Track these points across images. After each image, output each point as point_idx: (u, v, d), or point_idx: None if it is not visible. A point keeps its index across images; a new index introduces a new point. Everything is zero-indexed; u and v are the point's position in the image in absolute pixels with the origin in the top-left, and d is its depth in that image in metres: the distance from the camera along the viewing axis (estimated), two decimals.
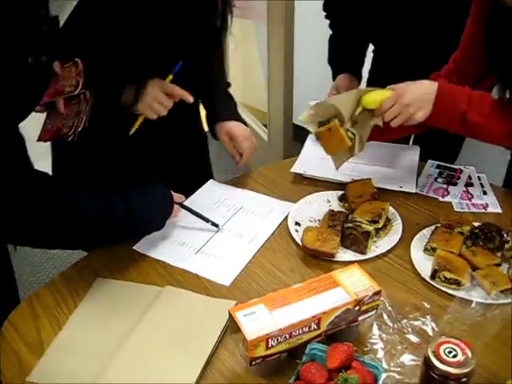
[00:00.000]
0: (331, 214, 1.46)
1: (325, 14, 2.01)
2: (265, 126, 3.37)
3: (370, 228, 1.37)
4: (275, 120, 3.12)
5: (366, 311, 1.11)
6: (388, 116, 1.43)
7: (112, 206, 1.24)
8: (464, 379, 0.93)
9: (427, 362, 0.94)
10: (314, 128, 1.48)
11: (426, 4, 1.73)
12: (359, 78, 2.01)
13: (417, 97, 1.42)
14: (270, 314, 1.03)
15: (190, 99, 1.50)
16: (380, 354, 1.12)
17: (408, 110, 1.41)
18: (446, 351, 0.94)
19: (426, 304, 1.23)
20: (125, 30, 1.33)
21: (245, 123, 1.69)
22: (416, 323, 1.19)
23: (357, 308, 1.08)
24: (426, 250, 1.37)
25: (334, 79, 2.00)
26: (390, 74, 1.97)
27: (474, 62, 1.53)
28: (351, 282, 1.10)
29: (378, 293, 1.10)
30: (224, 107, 1.70)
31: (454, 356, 0.93)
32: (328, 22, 2.03)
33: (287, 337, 1.03)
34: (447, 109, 1.42)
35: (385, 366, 1.09)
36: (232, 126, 1.66)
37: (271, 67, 3.00)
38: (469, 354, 0.93)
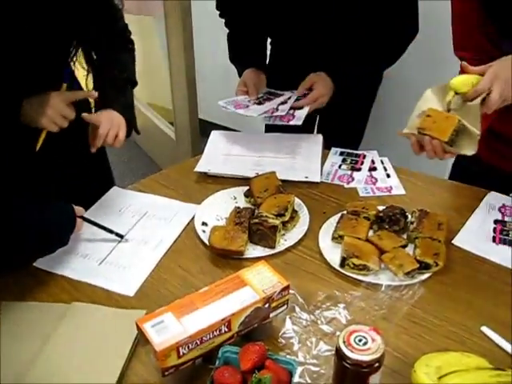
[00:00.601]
0: (237, 211, 1.43)
1: (218, 13, 1.97)
2: (172, 124, 3.32)
3: (277, 222, 1.36)
4: (181, 117, 3.08)
5: (276, 307, 1.09)
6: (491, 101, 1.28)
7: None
8: (376, 365, 0.93)
9: (339, 353, 0.94)
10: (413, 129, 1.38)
11: None
12: (265, 69, 1.99)
13: None
14: (179, 321, 1.00)
15: (95, 94, 1.45)
16: (295, 348, 1.11)
17: (508, 89, 1.27)
18: (357, 340, 0.93)
19: (337, 292, 1.23)
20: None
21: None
22: (328, 313, 1.19)
23: (267, 305, 1.07)
24: (333, 238, 1.37)
25: (239, 75, 1.97)
26: (289, 65, 1.99)
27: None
28: (259, 280, 1.08)
29: (286, 288, 1.08)
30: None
31: (365, 343, 0.93)
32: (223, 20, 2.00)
33: (198, 343, 1.00)
34: None
35: (301, 359, 1.09)
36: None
37: (172, 64, 2.95)
38: (378, 340, 0.93)
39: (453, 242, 1.37)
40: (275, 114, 1.77)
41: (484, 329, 1.15)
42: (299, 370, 1.05)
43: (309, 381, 1.05)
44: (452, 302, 1.22)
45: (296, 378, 1.01)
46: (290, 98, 1.84)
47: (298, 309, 1.19)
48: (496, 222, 1.45)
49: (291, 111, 1.78)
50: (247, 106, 1.81)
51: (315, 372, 1.06)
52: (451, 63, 1.47)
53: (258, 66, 1.96)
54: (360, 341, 0.93)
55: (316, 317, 1.18)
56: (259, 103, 1.84)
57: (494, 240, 1.39)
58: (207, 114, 3.43)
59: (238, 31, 1.99)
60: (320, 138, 1.83)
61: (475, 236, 1.40)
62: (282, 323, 1.16)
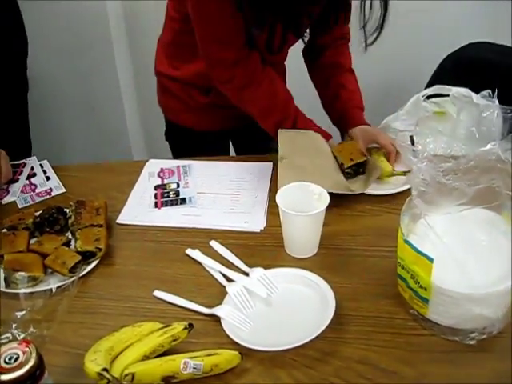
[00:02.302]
0: None
1: None
2: None
3: None
4: None
5: None
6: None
7: None
8: (37, 372, 0.89)
9: None
10: None
11: None
12: None
13: None
14: None
15: None
16: None
17: None
18: (7, 359, 0.88)
19: (14, 314, 1.16)
20: None
21: None
22: (2, 339, 1.11)
23: None
24: None
25: None
26: None
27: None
28: None
29: None
30: None
31: (16, 359, 0.88)
32: None
33: None
34: None
35: None
36: None
37: None
38: (29, 349, 0.90)
39: (117, 221, 1.39)
40: None
41: (155, 293, 1.18)
42: None
43: None
44: (123, 279, 1.24)
45: None
46: None
47: None
48: (156, 187, 1.50)
49: None
50: None
51: None
52: None
53: None
54: (10, 359, 0.88)
55: None
56: None
57: (156, 205, 1.43)
58: None
59: None
60: None
61: (138, 208, 1.43)
62: None
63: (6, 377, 0.87)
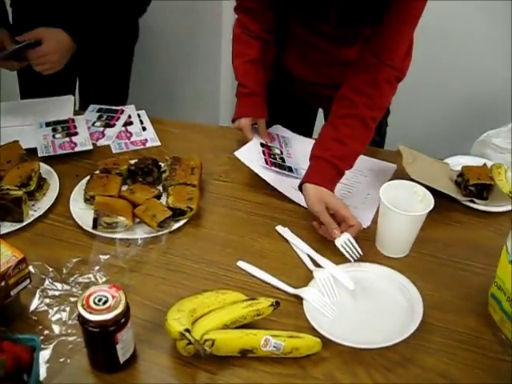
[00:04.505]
0: None
1: None
2: None
3: (20, 193, 1.24)
4: None
5: (16, 283, 1.00)
6: None
7: None
8: (122, 320, 0.89)
9: (80, 318, 0.88)
10: None
11: None
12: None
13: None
14: None
15: None
16: (49, 322, 1.04)
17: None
18: (96, 300, 0.88)
19: (92, 255, 1.16)
20: None
21: None
22: (83, 278, 1.12)
23: (3, 283, 0.97)
24: (86, 200, 1.30)
25: None
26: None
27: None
28: None
29: (22, 261, 0.99)
30: None
31: (105, 302, 0.88)
32: None
33: None
34: None
35: (56, 331, 1.02)
36: None
37: None
38: (119, 296, 0.89)
39: (235, 153, 1.38)
40: None
41: (239, 263, 1.16)
42: (55, 342, 0.99)
43: (67, 353, 0.98)
44: (209, 243, 1.22)
45: (47, 353, 0.95)
46: None
47: (48, 280, 1.10)
48: (262, 145, 1.45)
49: None
50: None
51: (71, 342, 1.00)
52: None
53: None
54: (100, 301, 0.88)
55: (70, 284, 1.11)
56: None
57: (266, 162, 1.40)
58: None
59: None
60: (71, 98, 1.72)
61: (255, 154, 1.40)
62: (30, 298, 1.07)
63: (93, 317, 0.87)
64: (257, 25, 1.46)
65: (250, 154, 1.40)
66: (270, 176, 1.36)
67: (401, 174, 1.35)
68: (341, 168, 1.27)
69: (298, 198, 1.31)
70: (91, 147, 1.49)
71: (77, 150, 1.48)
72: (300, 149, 1.49)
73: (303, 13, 1.34)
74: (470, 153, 2.01)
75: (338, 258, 1.17)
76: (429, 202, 1.17)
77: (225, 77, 2.36)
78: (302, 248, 1.20)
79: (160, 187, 1.34)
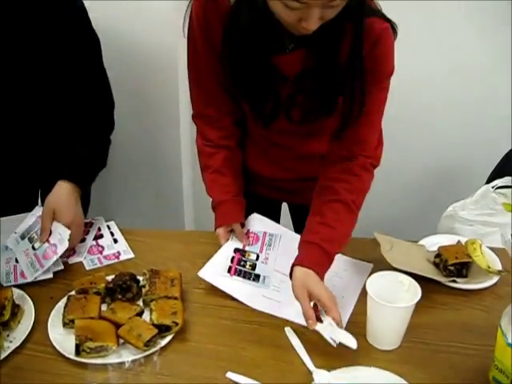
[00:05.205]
0: None
1: None
2: None
3: None
4: None
5: None
6: None
7: None
8: None
9: None
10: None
11: None
12: None
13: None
14: None
15: None
16: None
17: None
18: None
19: None
20: None
21: None
22: None
23: None
24: (65, 324, 1.24)
25: None
26: None
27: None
28: None
29: None
30: None
31: None
32: None
33: None
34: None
35: None
36: None
37: None
38: None
39: (198, 273, 1.36)
40: None
41: (229, 374, 1.12)
42: None
43: None
44: (199, 358, 1.18)
45: None
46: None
47: None
48: (236, 250, 1.44)
49: None
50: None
51: None
52: None
53: None
54: None
55: None
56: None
57: (229, 270, 1.38)
58: None
59: None
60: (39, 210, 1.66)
61: (218, 267, 1.39)
62: None
63: None
64: (216, 132, 1.48)
65: (215, 269, 1.39)
66: (231, 286, 1.35)
67: (380, 263, 1.35)
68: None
69: (261, 305, 1.31)
70: (62, 267, 1.44)
71: (42, 277, 1.41)
72: (286, 248, 1.46)
73: (264, 115, 1.37)
74: (437, 228, 2.06)
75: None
76: (415, 290, 1.17)
77: (186, 179, 2.38)
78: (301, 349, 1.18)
79: (140, 302, 1.30)
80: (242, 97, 1.37)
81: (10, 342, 1.22)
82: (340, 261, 1.42)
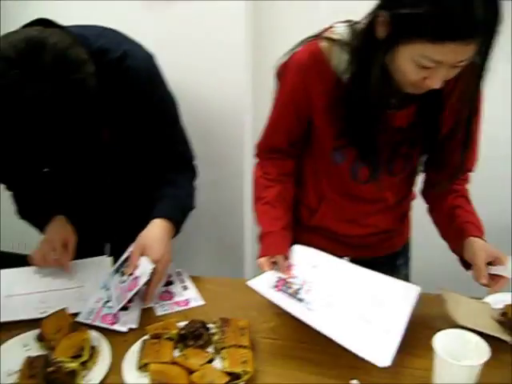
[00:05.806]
0: (29, 362, 1.29)
1: None
2: None
3: (74, 365, 1.25)
4: None
5: None
6: None
7: None
8: None
9: None
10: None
11: None
12: None
13: None
14: None
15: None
16: None
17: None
18: None
19: None
20: None
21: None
22: None
23: None
24: (139, 368, 1.29)
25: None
26: None
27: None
28: None
29: None
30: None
31: None
32: None
33: None
34: None
35: None
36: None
37: None
38: None
39: (247, 283, 1.42)
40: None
41: None
42: None
43: None
44: None
45: None
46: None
47: None
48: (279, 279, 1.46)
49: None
50: None
51: None
52: None
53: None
54: None
55: None
56: None
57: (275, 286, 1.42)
58: None
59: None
60: (107, 260, 1.74)
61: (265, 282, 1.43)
62: None
63: None
64: (276, 169, 1.58)
65: (264, 281, 1.43)
66: (279, 298, 1.39)
67: (445, 322, 1.37)
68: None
69: (309, 318, 1.33)
70: (136, 326, 1.47)
71: (117, 328, 1.45)
72: (329, 276, 1.48)
73: (374, 164, 1.47)
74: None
75: None
76: (483, 349, 1.18)
77: (248, 230, 2.43)
78: None
79: (210, 349, 1.35)
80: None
81: (87, 382, 1.28)
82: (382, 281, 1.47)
